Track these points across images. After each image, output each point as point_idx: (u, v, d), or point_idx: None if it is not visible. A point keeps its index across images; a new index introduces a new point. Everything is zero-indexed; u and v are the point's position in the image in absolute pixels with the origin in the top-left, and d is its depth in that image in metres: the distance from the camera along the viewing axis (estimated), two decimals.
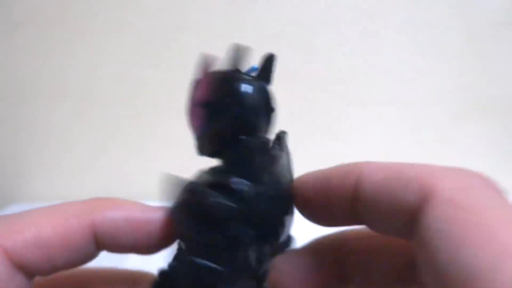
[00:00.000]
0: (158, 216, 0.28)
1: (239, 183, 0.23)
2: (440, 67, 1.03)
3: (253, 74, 0.26)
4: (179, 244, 0.26)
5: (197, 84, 0.26)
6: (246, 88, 0.24)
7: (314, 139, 1.01)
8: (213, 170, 0.26)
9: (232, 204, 0.22)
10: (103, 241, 0.28)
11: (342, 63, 1.01)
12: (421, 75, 1.03)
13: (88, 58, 0.99)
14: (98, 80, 1.00)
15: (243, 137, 0.24)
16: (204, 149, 0.26)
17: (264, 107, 0.26)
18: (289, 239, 0.28)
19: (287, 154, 0.28)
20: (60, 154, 1.04)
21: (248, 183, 0.23)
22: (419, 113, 1.05)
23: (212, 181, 0.24)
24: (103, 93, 1.01)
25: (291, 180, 0.29)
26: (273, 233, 0.24)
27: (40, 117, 1.03)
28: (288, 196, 0.26)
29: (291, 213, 0.27)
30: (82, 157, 1.03)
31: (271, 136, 0.29)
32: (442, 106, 1.05)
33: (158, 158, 0.93)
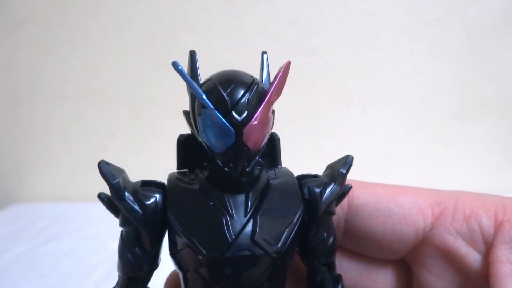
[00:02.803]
0: None
1: None
2: (440, 67, 1.03)
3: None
4: None
5: None
6: None
7: (314, 139, 1.01)
8: None
9: None
10: None
11: (342, 63, 1.01)
12: (421, 75, 1.03)
13: (88, 58, 0.99)
14: (98, 80, 1.00)
15: None
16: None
17: None
18: None
19: None
20: (60, 154, 1.04)
21: None
22: (419, 113, 1.05)
23: None
24: (103, 93, 1.01)
25: None
26: None
27: (40, 117, 1.03)
28: None
29: None
30: (82, 157, 1.03)
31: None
32: (442, 106, 1.05)
33: (158, 158, 0.93)
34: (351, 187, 0.30)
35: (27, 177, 1.06)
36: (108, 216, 0.36)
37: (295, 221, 0.27)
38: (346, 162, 0.30)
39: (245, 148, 0.25)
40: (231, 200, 0.26)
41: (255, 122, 0.25)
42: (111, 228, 0.36)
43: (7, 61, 1.01)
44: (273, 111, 0.28)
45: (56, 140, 1.04)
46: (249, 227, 0.26)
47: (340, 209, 0.32)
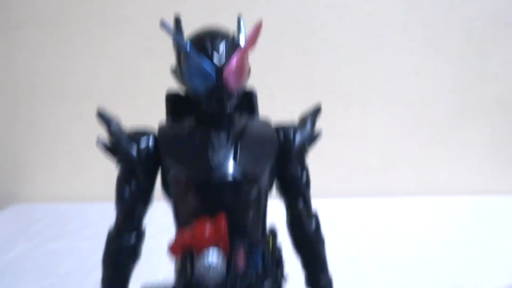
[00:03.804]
0: None
1: None
2: (440, 67, 1.03)
3: None
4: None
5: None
6: None
7: None
8: None
9: None
10: None
11: (342, 63, 1.01)
12: (421, 75, 1.03)
13: (88, 58, 0.99)
14: (98, 80, 1.00)
15: None
16: None
17: None
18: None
19: None
20: (60, 154, 1.04)
21: None
22: (419, 113, 1.05)
23: None
24: (103, 93, 1.01)
25: None
26: None
27: (40, 117, 1.03)
28: None
29: None
30: (82, 157, 1.03)
31: None
32: (442, 105, 1.05)
33: None
34: (321, 133, 0.36)
35: (27, 177, 1.06)
36: (108, 216, 0.36)
37: (271, 153, 0.32)
38: (315, 108, 0.36)
39: (224, 89, 0.29)
40: (214, 136, 0.30)
41: (233, 66, 0.29)
42: None
43: (7, 61, 1.01)
44: (249, 68, 0.32)
45: (56, 140, 1.04)
46: (230, 156, 0.30)
47: None
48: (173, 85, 0.35)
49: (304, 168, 0.34)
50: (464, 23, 1.01)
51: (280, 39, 0.98)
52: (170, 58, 0.36)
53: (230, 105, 0.30)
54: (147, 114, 1.00)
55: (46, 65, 1.00)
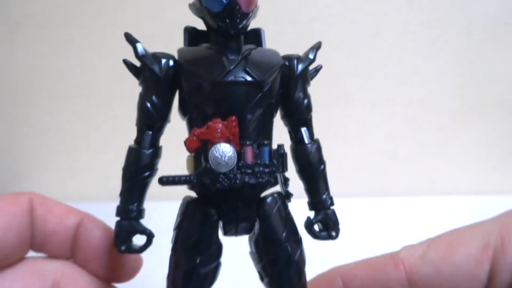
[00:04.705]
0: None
1: None
2: (440, 67, 1.03)
3: None
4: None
5: None
6: None
7: None
8: None
9: None
10: None
11: (342, 62, 1.00)
12: (421, 75, 1.03)
13: (88, 58, 0.99)
14: (98, 80, 1.00)
15: None
16: None
17: None
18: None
19: None
20: (60, 154, 1.04)
21: None
22: (419, 113, 1.05)
23: None
24: (103, 93, 1.01)
25: None
26: None
27: (40, 117, 1.03)
28: None
29: None
30: (82, 157, 1.03)
31: None
32: (442, 105, 1.05)
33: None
34: (321, 66, 0.41)
35: (27, 177, 1.06)
36: (107, 216, 0.36)
37: (277, 67, 0.35)
38: (316, 44, 0.41)
39: (237, 7, 0.33)
40: (228, 49, 0.34)
41: None
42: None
43: (7, 61, 1.01)
44: (258, 5, 0.35)
45: (56, 140, 1.04)
46: (242, 64, 0.34)
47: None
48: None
49: (306, 94, 0.38)
50: (465, 23, 1.01)
51: (280, 39, 0.98)
52: None
53: (242, 26, 0.34)
54: None
55: (45, 65, 1.00)
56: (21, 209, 0.33)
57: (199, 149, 0.32)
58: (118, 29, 1.03)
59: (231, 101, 0.33)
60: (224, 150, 0.31)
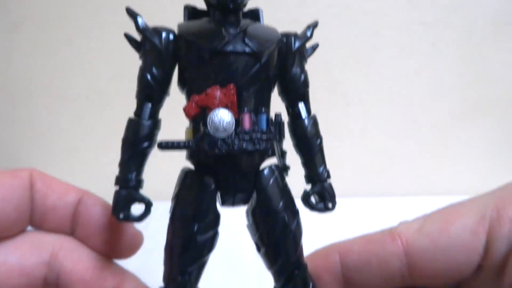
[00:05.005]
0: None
1: None
2: (440, 67, 1.03)
3: None
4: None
5: None
6: None
7: None
8: None
9: None
10: None
11: (342, 62, 1.00)
12: (421, 75, 1.03)
13: (88, 58, 0.99)
14: (98, 80, 1.00)
15: None
16: None
17: None
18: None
19: None
20: (60, 154, 1.04)
21: None
22: (419, 113, 1.05)
23: None
24: (103, 93, 1.01)
25: None
26: None
27: (41, 117, 1.03)
28: None
29: None
30: (82, 157, 1.03)
31: None
32: (442, 106, 1.05)
33: (158, 158, 0.93)
34: (318, 44, 0.42)
35: None
36: None
37: (274, 40, 0.36)
38: (313, 23, 0.41)
39: None
40: (227, 22, 0.34)
41: None
42: None
43: (7, 61, 1.01)
44: None
45: (56, 140, 1.04)
46: (241, 35, 0.34)
47: (399, 261, 0.34)
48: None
49: (303, 70, 0.38)
50: (465, 23, 1.01)
51: None
52: None
53: (240, 1, 0.34)
54: None
55: (44, 65, 1.00)
56: (21, 183, 0.33)
57: (197, 117, 0.33)
58: (118, 29, 1.03)
59: (230, 71, 0.33)
60: (222, 116, 0.32)
